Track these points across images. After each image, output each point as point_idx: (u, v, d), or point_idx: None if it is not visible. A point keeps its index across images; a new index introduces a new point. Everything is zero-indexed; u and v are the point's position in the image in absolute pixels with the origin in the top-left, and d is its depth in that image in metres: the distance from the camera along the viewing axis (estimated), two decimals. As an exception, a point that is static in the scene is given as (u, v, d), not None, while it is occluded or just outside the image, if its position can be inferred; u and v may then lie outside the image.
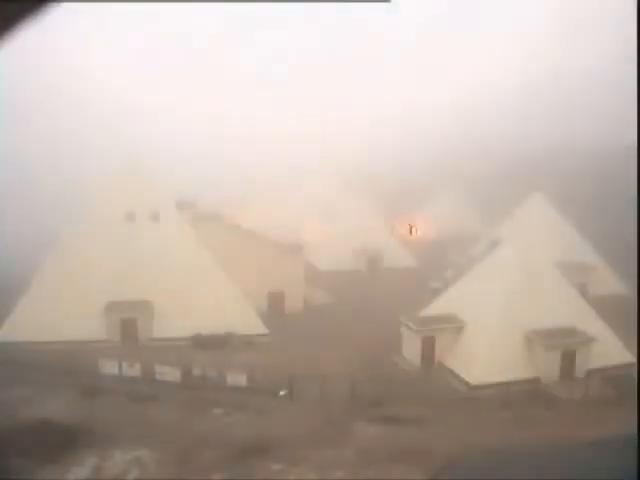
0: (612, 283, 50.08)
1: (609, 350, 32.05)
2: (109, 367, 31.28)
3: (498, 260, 36.98)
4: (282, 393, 29.41)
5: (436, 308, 37.97)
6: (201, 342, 37.45)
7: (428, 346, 33.77)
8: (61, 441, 23.80)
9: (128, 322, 37.89)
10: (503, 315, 32.26)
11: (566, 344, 31.25)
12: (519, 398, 28.51)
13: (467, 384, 30.31)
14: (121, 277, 38.94)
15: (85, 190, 46.12)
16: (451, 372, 32.27)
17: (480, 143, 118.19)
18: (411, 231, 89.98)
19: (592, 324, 33.15)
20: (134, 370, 31.01)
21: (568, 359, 31.35)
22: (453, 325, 34.26)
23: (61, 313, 36.80)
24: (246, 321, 39.19)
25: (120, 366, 31.14)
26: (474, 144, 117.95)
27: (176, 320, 37.77)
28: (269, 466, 22.81)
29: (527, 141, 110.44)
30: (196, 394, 29.59)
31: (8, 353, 32.21)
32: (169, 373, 30.81)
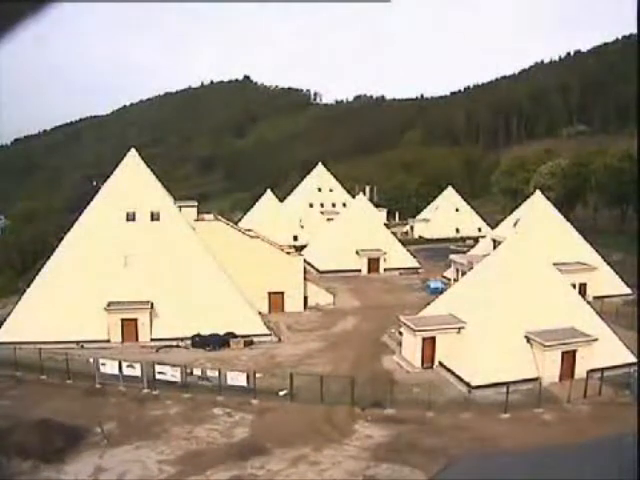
0: (612, 283, 50.02)
1: (609, 350, 31.98)
2: (109, 367, 31.22)
3: (498, 260, 36.98)
4: (282, 393, 29.38)
5: (436, 308, 37.97)
6: (201, 342, 37.45)
7: (428, 346, 33.76)
8: (61, 441, 23.80)
9: (128, 322, 37.89)
10: (503, 315, 32.20)
11: (566, 344, 31.22)
12: (519, 398, 28.49)
13: (467, 385, 30.28)
14: (121, 277, 38.94)
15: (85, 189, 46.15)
16: (451, 372, 32.24)
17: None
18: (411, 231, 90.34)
19: (592, 324, 33.09)
20: (134, 370, 30.96)
21: (568, 359, 31.32)
22: (453, 325, 34.23)
23: (61, 313, 36.80)
24: (246, 321, 39.19)
25: (120, 366, 31.08)
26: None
27: (176, 320, 37.78)
28: (269, 466, 22.79)
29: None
30: (196, 394, 29.57)
31: (8, 353, 32.21)
32: (169, 373, 30.77)
